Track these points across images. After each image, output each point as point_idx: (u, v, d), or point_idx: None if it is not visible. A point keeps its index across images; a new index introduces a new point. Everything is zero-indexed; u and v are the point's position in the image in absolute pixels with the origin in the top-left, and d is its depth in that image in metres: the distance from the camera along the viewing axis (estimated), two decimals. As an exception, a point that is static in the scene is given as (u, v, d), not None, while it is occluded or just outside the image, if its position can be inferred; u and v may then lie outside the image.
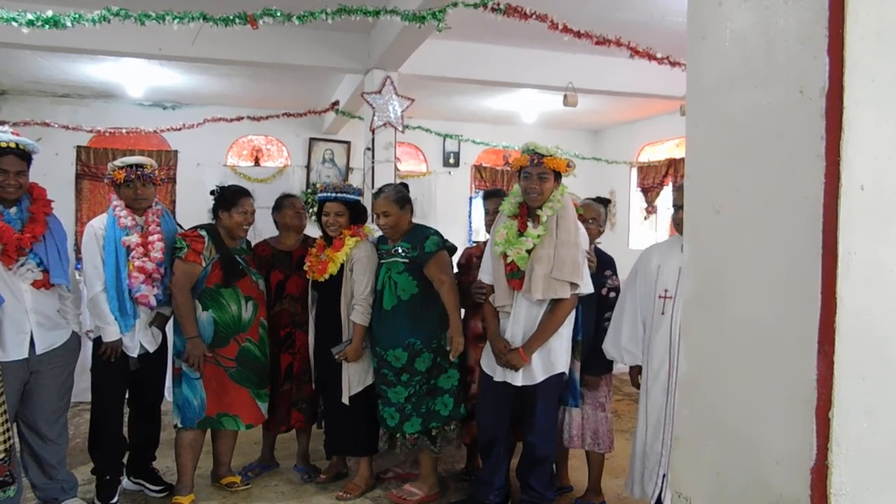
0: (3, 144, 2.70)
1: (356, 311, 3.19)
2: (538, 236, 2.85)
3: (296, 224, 3.55)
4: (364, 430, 3.32)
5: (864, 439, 0.92)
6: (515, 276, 2.88)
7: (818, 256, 0.90)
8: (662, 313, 2.75)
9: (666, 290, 2.75)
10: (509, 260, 2.90)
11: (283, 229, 3.57)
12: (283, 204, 3.56)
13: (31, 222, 2.77)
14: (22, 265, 2.75)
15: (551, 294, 2.83)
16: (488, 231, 3.37)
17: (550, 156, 2.89)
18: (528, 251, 2.85)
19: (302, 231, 3.60)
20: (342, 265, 3.23)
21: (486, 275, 3.08)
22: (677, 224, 2.83)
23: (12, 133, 2.81)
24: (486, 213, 3.42)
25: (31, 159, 2.83)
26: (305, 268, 3.38)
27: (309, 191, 8.57)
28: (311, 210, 8.39)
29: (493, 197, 3.40)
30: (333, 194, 3.32)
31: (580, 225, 2.98)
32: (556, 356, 2.92)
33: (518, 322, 2.92)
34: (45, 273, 2.79)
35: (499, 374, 2.97)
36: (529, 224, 2.91)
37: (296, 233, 3.56)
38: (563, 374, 2.98)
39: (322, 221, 3.34)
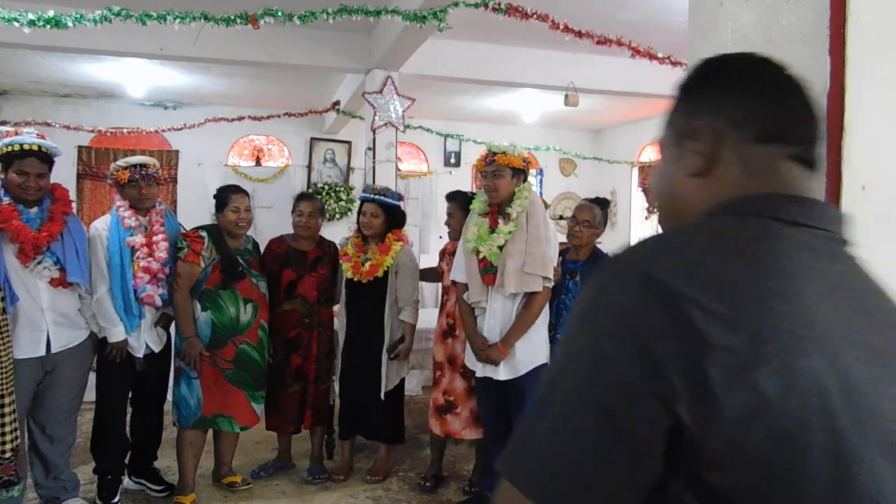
0: (26, 147, 2.75)
1: (407, 311, 3.38)
2: (509, 232, 2.96)
3: (301, 234, 3.49)
4: (393, 420, 3.49)
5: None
6: (488, 271, 2.99)
7: (819, 256, 0.90)
8: None
9: None
10: (481, 256, 3.01)
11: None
12: (293, 208, 3.53)
13: (49, 221, 2.82)
14: (39, 263, 2.78)
15: (524, 288, 2.92)
16: (449, 234, 3.55)
17: (502, 153, 2.97)
18: (500, 247, 2.96)
19: (311, 236, 3.54)
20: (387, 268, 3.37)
21: (458, 273, 3.18)
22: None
23: (37, 135, 2.85)
24: (448, 214, 3.56)
25: (52, 161, 2.87)
26: (346, 267, 3.43)
27: (311, 191, 8.57)
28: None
29: (451, 200, 3.54)
30: (372, 195, 3.45)
31: (550, 221, 3.10)
32: (537, 348, 2.99)
33: (494, 317, 3.00)
34: (62, 271, 2.83)
35: (480, 370, 3.05)
36: (500, 221, 3.02)
37: (304, 238, 3.52)
38: (546, 365, 3.01)
39: (359, 221, 3.46)
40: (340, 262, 3.51)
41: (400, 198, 3.54)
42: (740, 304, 0.58)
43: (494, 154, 3.01)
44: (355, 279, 3.39)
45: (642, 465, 0.58)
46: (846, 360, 0.60)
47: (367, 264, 3.37)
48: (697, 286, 0.59)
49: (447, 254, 3.58)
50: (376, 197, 3.44)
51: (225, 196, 3.27)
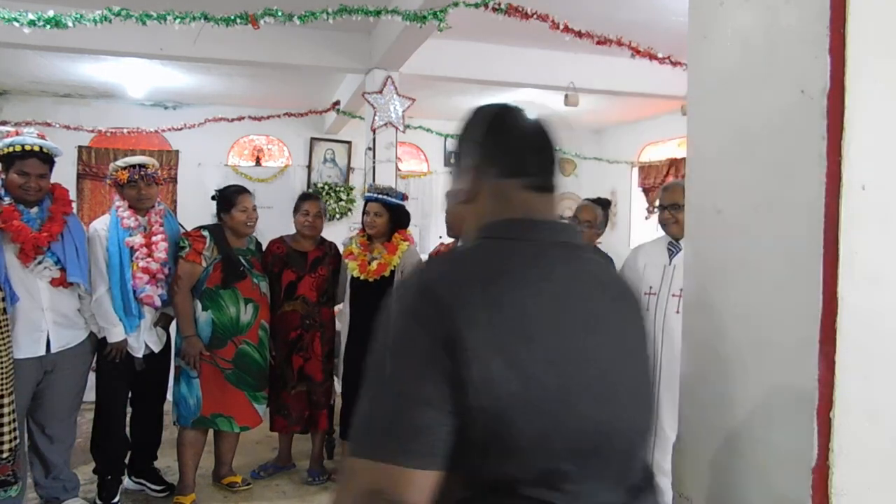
0: (28, 147, 2.76)
1: None
2: None
3: (306, 233, 3.51)
4: None
5: (866, 439, 0.92)
6: None
7: (819, 256, 0.90)
8: (647, 310, 2.83)
9: (650, 287, 2.85)
10: None
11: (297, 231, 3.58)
12: (297, 208, 3.53)
13: (50, 221, 2.82)
14: (39, 263, 2.79)
15: None
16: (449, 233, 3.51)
17: None
18: None
19: (315, 236, 3.56)
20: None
21: None
22: (663, 223, 2.88)
23: (38, 136, 2.85)
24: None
25: (53, 162, 2.88)
26: (353, 266, 3.42)
27: (311, 190, 8.56)
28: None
29: None
30: (376, 195, 3.45)
31: None
32: None
33: None
34: (63, 271, 2.83)
35: None
36: None
37: (308, 238, 3.54)
38: None
39: (363, 220, 3.48)
40: (345, 260, 3.51)
41: (404, 197, 3.54)
42: (482, 307, 0.85)
43: None
44: (361, 278, 3.39)
45: (445, 411, 0.82)
46: (559, 338, 0.88)
47: (375, 263, 3.38)
48: (456, 294, 0.86)
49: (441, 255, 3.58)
50: (380, 196, 3.45)
51: (232, 196, 3.27)
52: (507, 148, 1.01)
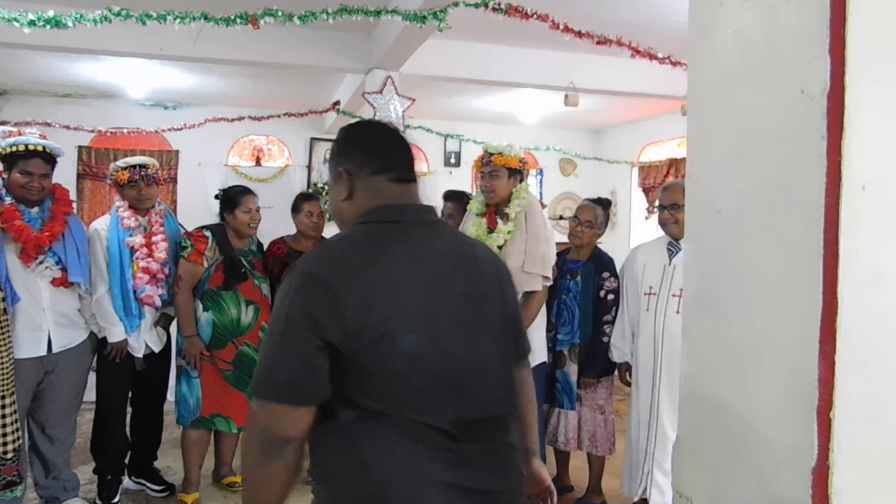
0: (31, 147, 2.77)
1: None
2: (509, 232, 2.97)
3: (310, 234, 3.50)
4: None
5: (866, 439, 0.92)
6: None
7: (819, 256, 0.90)
8: (647, 310, 2.85)
9: (650, 287, 2.86)
10: None
11: (299, 232, 3.57)
12: (300, 208, 3.50)
13: (51, 221, 2.83)
14: (41, 263, 2.79)
15: (525, 287, 2.92)
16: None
17: (499, 153, 2.98)
18: (500, 247, 2.97)
19: (318, 236, 3.54)
20: None
21: None
22: (662, 223, 2.88)
23: (39, 136, 2.86)
24: (443, 215, 3.59)
25: (55, 162, 2.88)
26: None
27: (310, 190, 8.55)
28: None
29: (451, 200, 3.51)
30: None
31: (548, 220, 3.11)
32: (536, 347, 3.00)
33: None
34: (64, 271, 2.84)
35: None
36: (499, 221, 3.03)
37: (310, 238, 3.53)
38: (545, 363, 3.06)
39: None
40: None
41: None
42: (355, 279, 1.12)
43: (491, 155, 3.02)
44: None
45: (318, 365, 1.10)
46: (420, 292, 1.16)
47: None
48: (335, 272, 1.13)
49: None
50: None
51: (235, 197, 3.27)
52: (373, 151, 1.30)
